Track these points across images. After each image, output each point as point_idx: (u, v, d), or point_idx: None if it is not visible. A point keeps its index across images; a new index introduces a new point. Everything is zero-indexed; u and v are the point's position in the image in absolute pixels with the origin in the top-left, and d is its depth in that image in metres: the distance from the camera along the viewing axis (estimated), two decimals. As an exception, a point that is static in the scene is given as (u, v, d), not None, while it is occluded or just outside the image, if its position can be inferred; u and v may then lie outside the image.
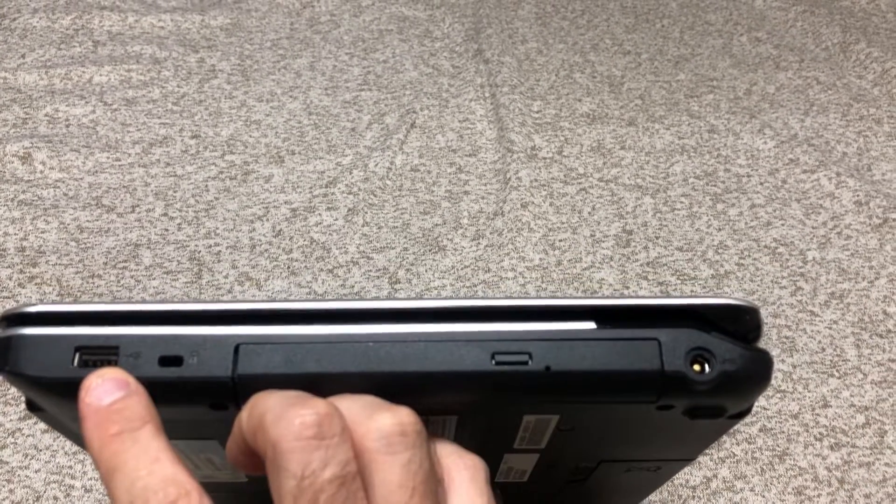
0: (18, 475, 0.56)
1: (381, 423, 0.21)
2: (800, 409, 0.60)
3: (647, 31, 1.03)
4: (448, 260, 0.71)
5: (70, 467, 0.56)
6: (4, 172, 0.78)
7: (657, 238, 0.74)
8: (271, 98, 0.89)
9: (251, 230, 0.73)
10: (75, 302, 0.24)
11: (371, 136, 0.84)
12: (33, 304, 0.23)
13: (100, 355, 0.23)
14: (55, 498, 0.55)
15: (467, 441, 0.26)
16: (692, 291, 0.69)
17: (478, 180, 0.80)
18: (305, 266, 0.70)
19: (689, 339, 0.24)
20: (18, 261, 0.70)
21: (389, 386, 0.23)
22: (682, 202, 0.78)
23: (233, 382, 0.23)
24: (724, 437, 0.58)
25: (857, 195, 0.79)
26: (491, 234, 0.74)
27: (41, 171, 0.78)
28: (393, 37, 0.99)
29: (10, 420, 0.59)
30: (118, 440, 0.20)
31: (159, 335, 0.23)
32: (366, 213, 0.76)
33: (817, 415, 0.60)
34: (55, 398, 0.23)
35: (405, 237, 0.73)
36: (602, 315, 0.25)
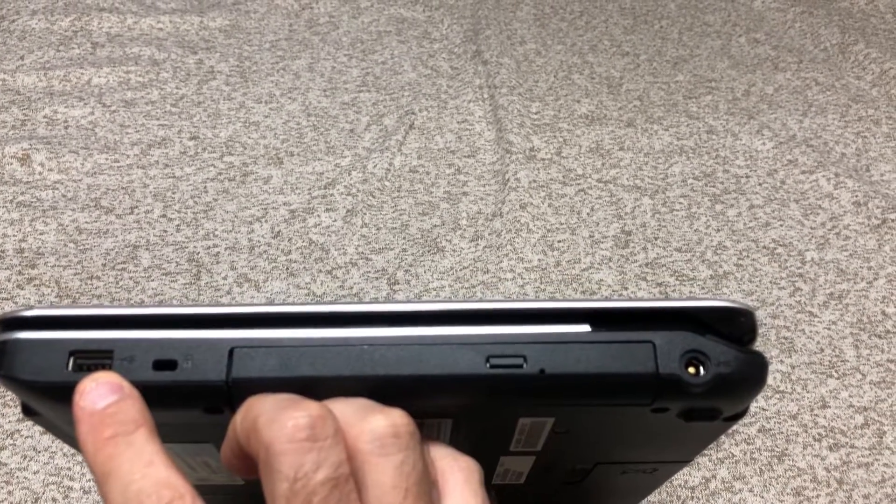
0: (17, 476, 0.56)
1: (374, 424, 0.21)
2: (798, 409, 0.60)
3: (646, 32, 1.03)
4: (447, 261, 0.71)
5: (69, 469, 0.56)
6: (3, 174, 0.78)
7: (656, 239, 0.74)
8: (270, 99, 0.89)
9: (250, 231, 0.73)
10: (70, 306, 0.24)
11: (370, 138, 0.84)
12: (29, 309, 0.23)
13: (94, 359, 0.23)
14: (54, 499, 0.55)
15: (463, 444, 0.26)
16: (691, 292, 0.69)
17: (476, 181, 0.80)
18: (304, 267, 0.70)
19: (683, 341, 0.24)
20: (17, 262, 0.70)
21: (384, 389, 0.23)
22: (680, 203, 0.78)
23: (227, 386, 0.23)
24: (723, 438, 0.58)
25: (856, 196, 0.79)
26: (490, 235, 0.74)
27: (40, 173, 0.78)
28: (391, 38, 0.99)
29: (9, 422, 0.59)
30: (112, 443, 0.20)
31: (153, 339, 0.23)
32: (364, 214, 0.76)
33: (816, 415, 0.60)
34: (50, 402, 0.23)
35: (404, 238, 0.73)
36: (597, 318, 0.25)
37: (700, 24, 1.05)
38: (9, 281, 0.68)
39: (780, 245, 0.74)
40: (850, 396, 0.61)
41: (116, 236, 0.73)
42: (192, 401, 0.23)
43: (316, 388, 0.23)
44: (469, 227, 0.75)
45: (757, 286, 0.70)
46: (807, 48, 1.01)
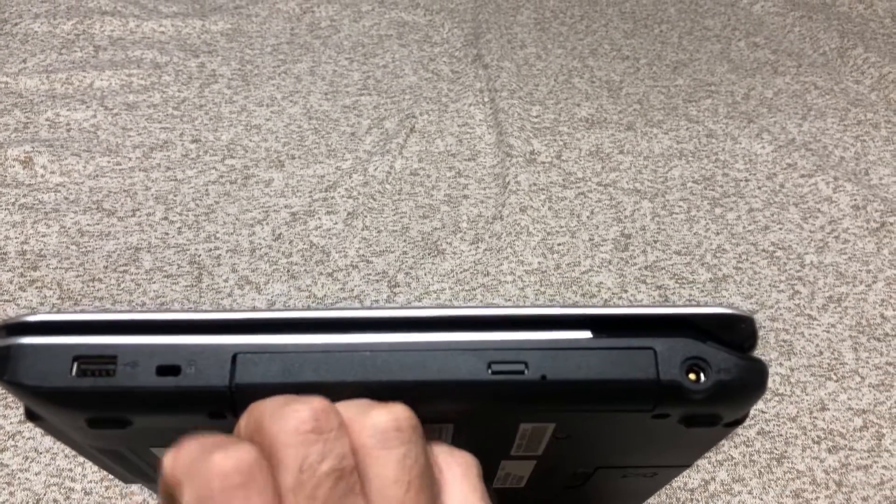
0: (18, 478, 0.56)
1: (377, 419, 0.21)
2: (798, 412, 0.61)
3: (646, 36, 1.03)
4: (447, 264, 0.72)
5: (70, 470, 0.57)
6: (6, 177, 0.78)
7: (655, 242, 0.74)
8: (271, 103, 0.89)
9: (251, 234, 0.74)
10: (74, 311, 0.24)
11: (371, 141, 0.85)
12: (32, 314, 0.23)
13: (98, 365, 0.23)
14: (55, 500, 0.55)
15: (464, 448, 0.26)
16: (690, 295, 0.69)
17: (477, 184, 0.80)
18: (305, 270, 0.71)
19: (684, 348, 0.25)
20: (19, 264, 0.70)
21: (386, 395, 0.23)
22: (680, 206, 0.78)
23: (230, 392, 0.23)
24: (722, 440, 0.58)
25: (855, 199, 0.79)
26: (490, 237, 0.74)
27: (42, 176, 0.79)
28: (392, 42, 0.99)
29: (11, 423, 0.59)
30: None
31: (157, 345, 0.23)
32: (365, 216, 0.76)
33: (815, 418, 0.60)
34: (54, 407, 0.23)
35: (404, 241, 0.74)
36: (598, 324, 0.25)
37: (700, 29, 1.05)
38: (11, 283, 0.69)
39: (780, 248, 0.74)
40: (848, 399, 0.62)
41: (118, 239, 0.73)
42: (196, 406, 0.23)
43: (319, 393, 0.23)
44: (469, 229, 0.75)
45: (756, 289, 0.70)
46: (806, 52, 1.02)
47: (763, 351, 0.65)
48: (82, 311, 0.24)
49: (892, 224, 0.77)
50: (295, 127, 0.86)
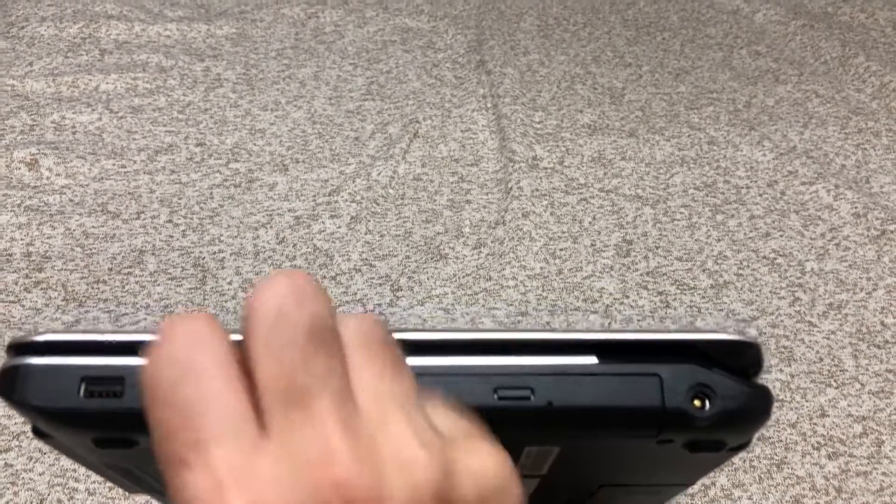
0: (23, 478, 0.56)
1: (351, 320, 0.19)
2: (798, 418, 0.61)
3: (648, 43, 1.04)
4: (450, 268, 0.72)
5: (74, 470, 0.57)
6: (11, 178, 0.78)
7: (657, 248, 0.75)
8: (276, 107, 0.90)
9: (255, 237, 0.74)
10: (81, 331, 0.24)
11: (374, 146, 0.85)
12: (39, 334, 0.24)
13: (105, 386, 0.23)
14: (59, 501, 0.55)
15: None
16: (692, 301, 0.70)
17: (479, 189, 0.81)
18: (308, 273, 0.71)
19: (690, 375, 0.25)
20: (24, 265, 0.71)
21: None
22: (681, 213, 0.79)
23: None
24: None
25: (856, 207, 0.79)
26: (492, 242, 0.74)
27: (47, 178, 0.79)
28: (396, 48, 1.00)
29: (15, 423, 0.59)
30: None
31: None
32: (368, 221, 0.76)
33: (815, 424, 0.61)
34: (61, 427, 0.23)
35: (407, 245, 0.74)
36: (603, 349, 0.25)
37: (702, 37, 1.06)
38: (16, 284, 0.69)
39: (780, 255, 0.75)
40: (848, 406, 0.62)
41: (123, 241, 0.73)
42: None
43: None
44: (472, 234, 0.75)
45: (757, 296, 0.70)
46: (807, 61, 1.02)
47: (763, 357, 0.65)
48: (90, 332, 0.24)
49: (892, 232, 0.77)
50: (299, 131, 0.87)
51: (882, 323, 0.68)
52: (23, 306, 0.67)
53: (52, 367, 0.23)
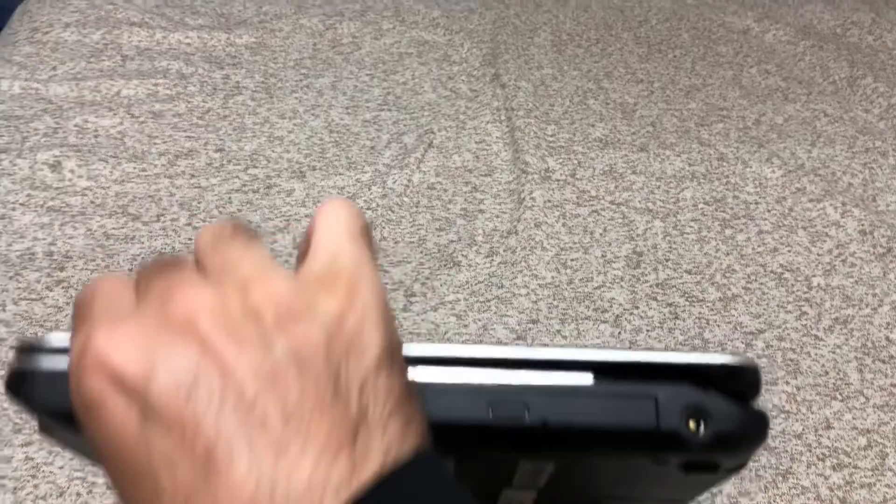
0: (43, 471, 0.58)
1: None
2: (803, 429, 0.62)
3: (660, 60, 1.05)
4: (462, 275, 0.73)
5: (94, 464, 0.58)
6: (35, 179, 0.80)
7: (667, 260, 0.76)
8: (294, 115, 0.92)
9: (272, 242, 0.76)
10: None
11: (390, 155, 0.87)
12: (47, 336, 0.24)
13: None
14: (78, 494, 0.57)
15: (468, 475, 0.27)
16: (700, 314, 0.71)
17: (492, 199, 0.82)
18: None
19: (685, 396, 0.25)
20: (46, 265, 0.72)
21: None
22: (691, 227, 0.80)
23: None
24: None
25: (862, 224, 0.81)
26: (504, 251, 0.76)
27: (70, 179, 0.81)
28: (412, 60, 1.02)
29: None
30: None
31: None
32: (383, 228, 0.78)
33: (820, 435, 0.62)
34: (67, 426, 0.24)
35: (421, 252, 0.76)
36: (600, 368, 0.25)
37: (712, 55, 1.07)
38: (38, 282, 0.71)
39: (788, 270, 0.76)
40: (853, 418, 0.63)
41: (143, 242, 0.75)
42: None
43: None
44: (485, 243, 0.77)
45: (764, 309, 0.72)
46: (816, 80, 1.04)
47: (770, 369, 0.67)
48: None
49: (898, 250, 0.78)
50: (316, 139, 0.89)
51: (887, 338, 0.69)
52: (44, 304, 0.69)
53: (59, 368, 0.24)
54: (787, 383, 0.65)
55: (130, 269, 0.72)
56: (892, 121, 0.97)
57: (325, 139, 0.89)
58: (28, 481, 0.57)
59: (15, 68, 0.94)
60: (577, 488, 0.32)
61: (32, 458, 0.58)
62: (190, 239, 0.75)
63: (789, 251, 0.78)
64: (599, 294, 0.72)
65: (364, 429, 0.20)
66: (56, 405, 0.23)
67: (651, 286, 0.73)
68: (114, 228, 0.76)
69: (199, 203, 0.79)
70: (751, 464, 0.59)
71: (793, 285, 0.74)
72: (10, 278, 0.70)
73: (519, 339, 0.67)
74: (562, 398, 0.25)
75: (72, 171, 0.81)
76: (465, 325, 0.69)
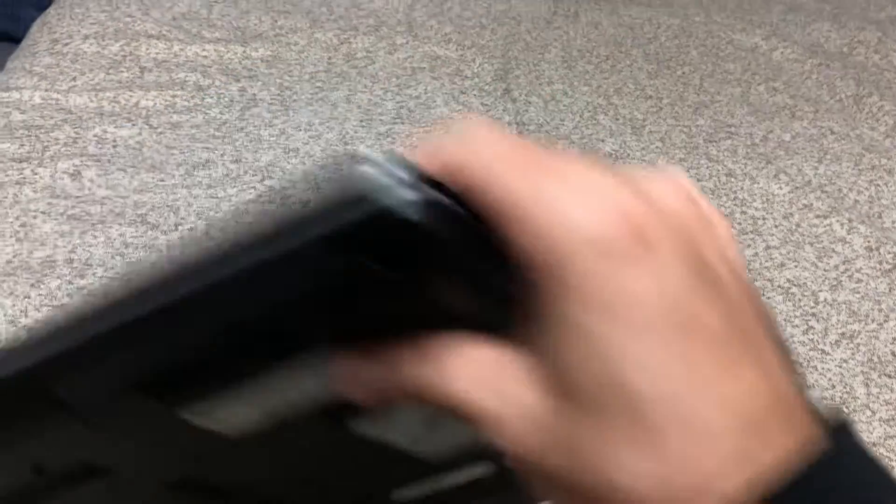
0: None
1: None
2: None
3: (669, 77, 1.07)
4: (475, 287, 0.75)
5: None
6: (55, 188, 0.82)
7: (675, 274, 0.77)
8: (309, 128, 0.93)
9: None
10: None
11: (403, 168, 0.88)
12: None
13: None
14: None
15: None
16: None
17: (504, 213, 0.83)
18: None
19: None
20: (67, 272, 0.74)
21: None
22: (699, 241, 0.81)
23: None
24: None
25: (869, 241, 0.82)
26: (516, 264, 0.77)
27: (89, 189, 0.82)
28: (425, 74, 1.03)
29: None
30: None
31: None
32: (397, 239, 0.79)
33: (827, 448, 0.63)
34: None
35: (434, 264, 0.77)
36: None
37: (721, 72, 1.09)
38: (59, 289, 0.72)
39: (795, 285, 0.77)
40: (860, 432, 0.64)
41: (161, 251, 0.76)
42: None
43: None
44: (497, 255, 0.78)
45: (772, 323, 0.73)
46: (823, 98, 1.05)
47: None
48: None
49: (904, 266, 0.79)
50: (331, 151, 0.90)
51: (893, 353, 0.71)
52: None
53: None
54: (795, 396, 0.66)
55: (149, 277, 0.74)
56: (898, 139, 0.98)
57: (339, 151, 0.90)
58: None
59: (35, 79, 0.96)
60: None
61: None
62: (207, 248, 0.77)
63: (796, 266, 0.79)
64: (609, 307, 0.73)
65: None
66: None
67: (660, 299, 0.74)
68: (132, 237, 0.78)
69: (215, 213, 0.81)
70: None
71: (800, 300, 0.75)
72: (32, 285, 0.72)
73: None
74: None
75: (91, 181, 0.83)
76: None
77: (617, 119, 0.98)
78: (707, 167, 0.91)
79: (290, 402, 0.20)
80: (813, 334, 0.72)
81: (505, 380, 0.17)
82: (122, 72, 0.99)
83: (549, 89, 1.02)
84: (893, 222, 0.85)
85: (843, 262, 0.80)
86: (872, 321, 0.74)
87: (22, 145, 0.86)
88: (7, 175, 0.82)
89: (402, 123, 0.95)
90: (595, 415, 0.16)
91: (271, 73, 1.01)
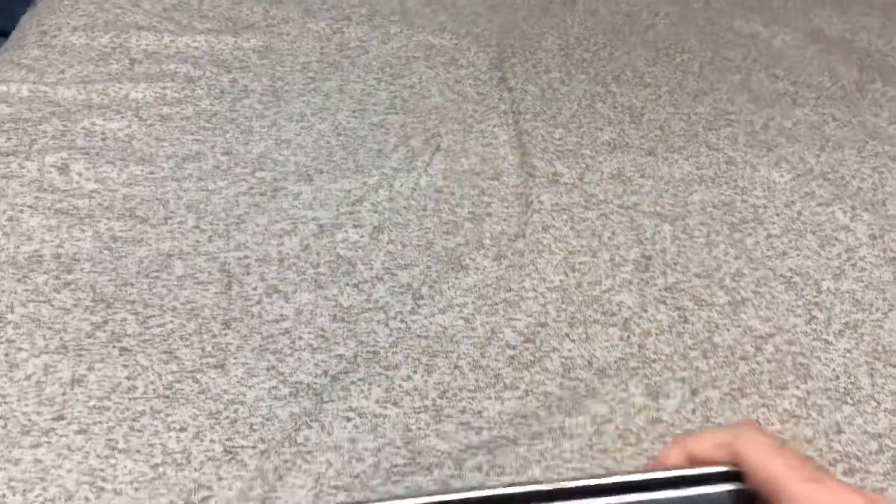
0: (52, 474, 0.58)
1: None
2: (814, 434, 0.62)
3: (668, 64, 1.05)
4: (470, 279, 0.73)
5: (102, 470, 0.58)
6: (43, 182, 0.80)
7: (675, 264, 0.76)
8: (301, 118, 0.92)
9: (280, 244, 0.76)
10: None
11: (397, 158, 0.87)
12: None
13: None
14: (86, 499, 0.56)
15: None
16: (709, 317, 0.71)
17: (500, 203, 0.82)
18: (332, 280, 0.72)
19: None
20: (54, 267, 0.72)
21: None
22: (700, 230, 0.80)
23: None
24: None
25: (872, 229, 0.80)
26: (512, 254, 0.75)
27: (78, 182, 0.81)
28: (419, 64, 1.02)
29: (45, 420, 0.60)
30: None
31: None
32: (391, 231, 0.78)
33: (831, 440, 0.61)
34: None
35: (428, 255, 0.75)
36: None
37: (720, 59, 1.07)
38: (46, 285, 0.71)
39: (797, 274, 0.75)
40: (864, 423, 0.62)
41: (150, 245, 0.75)
42: None
43: None
44: (492, 246, 0.77)
45: (773, 313, 0.71)
46: (825, 85, 1.03)
47: (780, 374, 0.66)
48: None
49: (908, 254, 0.78)
50: (324, 142, 0.89)
51: (898, 343, 0.69)
52: (52, 306, 0.69)
53: None
54: (798, 388, 0.65)
55: (138, 272, 0.72)
56: (902, 125, 0.96)
57: (332, 142, 0.89)
58: (37, 484, 0.57)
59: (23, 71, 0.94)
60: None
61: (41, 461, 0.58)
62: (197, 241, 0.75)
63: (798, 255, 0.77)
64: (608, 298, 0.72)
65: None
66: None
67: (660, 290, 0.73)
68: (121, 231, 0.76)
69: (206, 206, 0.79)
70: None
71: (802, 289, 0.74)
72: (18, 281, 0.70)
73: (527, 342, 0.67)
74: None
75: (79, 174, 0.82)
76: (473, 329, 0.69)
77: (615, 107, 0.97)
78: (707, 155, 0.89)
79: None
80: (816, 324, 0.71)
81: None
82: (111, 64, 0.98)
83: (546, 78, 1.01)
84: (897, 209, 0.84)
85: (847, 251, 0.78)
86: (877, 310, 0.72)
87: (9, 139, 0.85)
88: (-7, 169, 0.81)
89: (396, 113, 0.93)
90: None
91: (263, 63, 1.00)
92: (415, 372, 0.65)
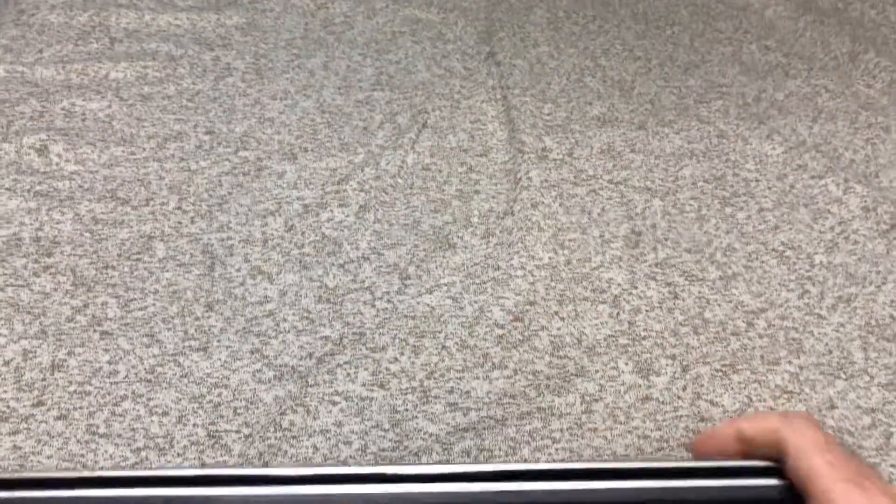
0: (31, 460, 0.56)
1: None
2: (806, 409, 0.61)
3: (658, 37, 1.04)
4: (458, 257, 0.72)
5: (82, 455, 0.57)
6: (21, 164, 0.79)
7: (666, 240, 0.74)
8: (285, 96, 0.90)
9: (264, 225, 0.74)
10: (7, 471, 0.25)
11: (383, 135, 0.85)
12: None
13: None
14: (67, 483, 0.55)
15: None
16: (700, 293, 0.70)
17: (488, 180, 0.81)
18: (317, 261, 0.71)
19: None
20: (34, 250, 0.71)
21: None
22: (690, 205, 0.79)
23: None
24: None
25: (865, 201, 0.79)
26: (501, 232, 0.74)
27: (57, 164, 0.79)
28: (406, 39, 1.00)
29: (24, 406, 0.59)
30: None
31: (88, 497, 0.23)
32: (377, 210, 0.76)
33: (824, 416, 0.60)
34: None
35: (416, 234, 0.74)
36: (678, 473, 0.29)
37: (711, 31, 1.06)
38: (25, 268, 0.69)
39: (789, 248, 0.74)
40: (857, 398, 0.62)
41: (132, 227, 0.74)
42: None
43: None
44: (480, 224, 0.75)
45: (766, 288, 0.70)
46: (817, 56, 1.02)
47: (772, 349, 0.65)
48: (14, 472, 0.25)
49: (902, 226, 0.77)
50: (308, 120, 0.87)
51: (891, 316, 0.68)
52: (31, 290, 0.67)
53: None
54: (790, 363, 0.64)
55: (119, 255, 0.71)
56: (895, 96, 0.95)
57: (316, 120, 0.87)
58: (17, 471, 0.56)
59: (0, 51, 0.92)
60: None
61: (20, 448, 0.57)
62: (179, 223, 0.74)
63: (791, 229, 0.76)
64: (597, 274, 0.71)
65: None
66: None
67: (650, 266, 0.72)
68: (102, 213, 0.75)
69: (188, 186, 0.78)
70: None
71: (794, 263, 0.73)
72: (-3, 265, 0.69)
73: (516, 320, 0.66)
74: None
75: (59, 156, 0.80)
76: (461, 308, 0.67)
77: (605, 81, 0.95)
78: (698, 128, 0.88)
79: None
80: (809, 298, 0.70)
81: None
82: (90, 43, 0.96)
83: (535, 52, 0.99)
84: (891, 181, 0.83)
85: (839, 224, 0.77)
86: (870, 283, 0.71)
87: (-15, 120, 0.83)
88: (-30, 151, 0.79)
89: (382, 90, 0.91)
90: None
91: (246, 40, 0.98)
92: (402, 353, 0.64)
